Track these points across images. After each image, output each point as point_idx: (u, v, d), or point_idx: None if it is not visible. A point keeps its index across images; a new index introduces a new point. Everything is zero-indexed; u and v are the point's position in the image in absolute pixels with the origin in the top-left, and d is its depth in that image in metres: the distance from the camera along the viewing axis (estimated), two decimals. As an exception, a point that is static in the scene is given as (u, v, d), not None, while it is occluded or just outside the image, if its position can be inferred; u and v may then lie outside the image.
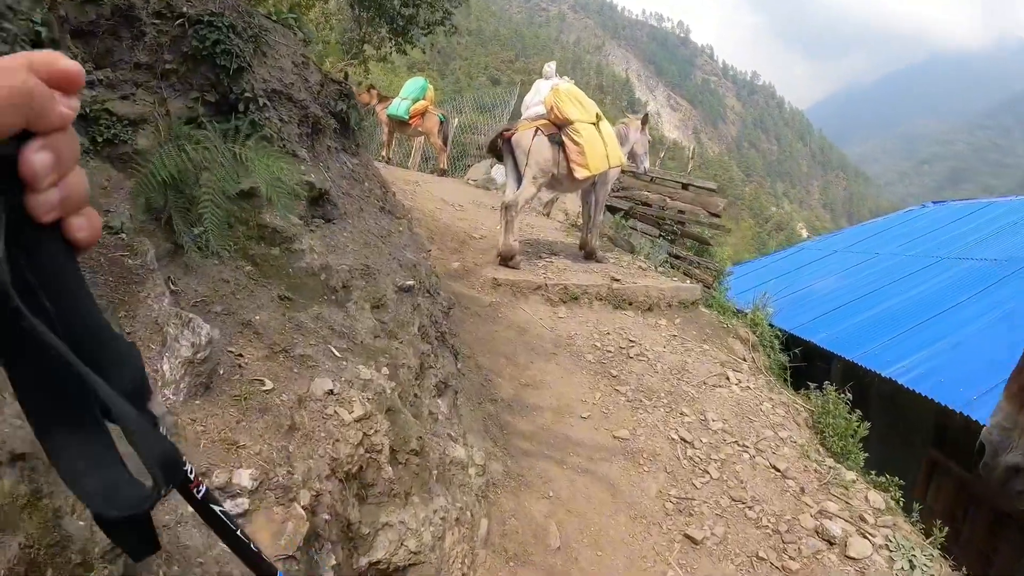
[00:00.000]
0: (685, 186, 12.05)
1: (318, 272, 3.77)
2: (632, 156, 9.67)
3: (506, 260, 8.19)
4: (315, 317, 3.44)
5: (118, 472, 0.60)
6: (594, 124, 8.49)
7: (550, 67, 9.07)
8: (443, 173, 15.20)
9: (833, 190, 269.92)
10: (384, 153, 16.32)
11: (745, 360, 8.04)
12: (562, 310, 7.75)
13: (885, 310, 11.65)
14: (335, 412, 2.90)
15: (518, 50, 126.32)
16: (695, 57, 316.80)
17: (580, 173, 8.26)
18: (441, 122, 15.55)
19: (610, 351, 6.98)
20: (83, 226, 0.57)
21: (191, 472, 0.70)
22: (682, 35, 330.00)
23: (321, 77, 5.28)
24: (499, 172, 14.61)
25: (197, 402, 2.59)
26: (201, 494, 0.73)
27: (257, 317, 3.18)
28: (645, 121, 9.74)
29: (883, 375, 9.18)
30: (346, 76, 7.21)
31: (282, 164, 3.55)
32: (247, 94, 4.11)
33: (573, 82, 9.09)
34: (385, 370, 3.48)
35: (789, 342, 9.97)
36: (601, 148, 8.42)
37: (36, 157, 0.52)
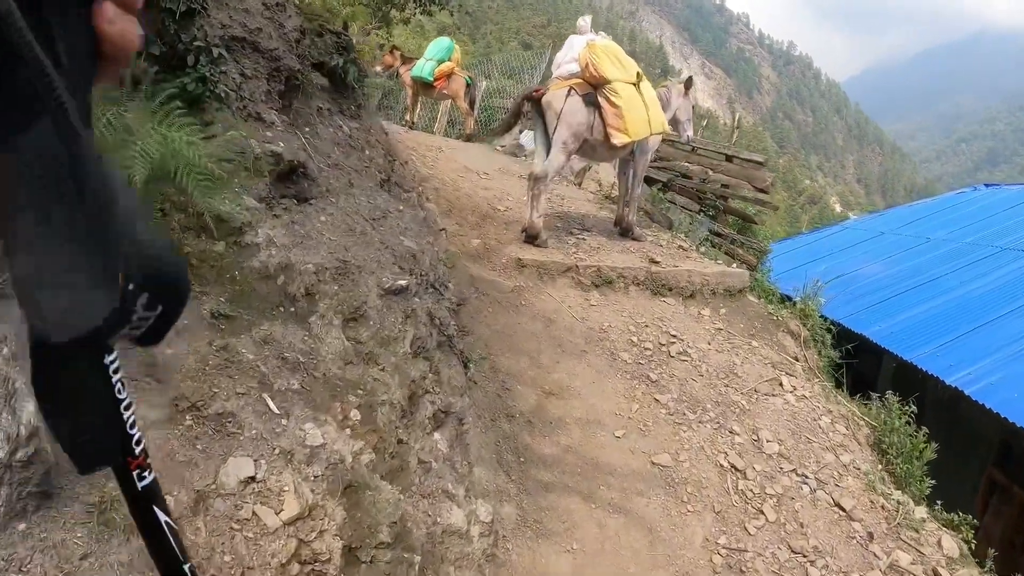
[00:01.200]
0: (729, 158, 10.92)
1: (274, 274, 2.83)
2: (674, 123, 8.61)
3: (532, 239, 7.25)
4: (261, 341, 2.51)
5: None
6: (634, 85, 7.48)
7: (585, 21, 8.01)
8: (469, 138, 14.17)
9: (868, 165, 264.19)
10: (408, 117, 15.34)
11: (797, 360, 7.05)
12: (594, 296, 6.79)
13: (944, 304, 10.54)
14: (253, 515, 1.95)
15: (550, 15, 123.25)
16: (730, 25, 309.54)
17: (618, 139, 7.26)
18: (468, 85, 14.51)
19: (648, 348, 6.03)
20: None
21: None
22: (718, 2, 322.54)
23: (301, 22, 4.31)
24: (527, 138, 13.56)
25: (21, 526, 1.67)
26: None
27: (169, 351, 2.25)
28: (689, 86, 8.65)
29: (946, 382, 8.15)
30: (346, 26, 6.20)
31: (232, 132, 2.59)
32: (198, 43, 3.16)
33: (611, 38, 8.00)
34: (355, 415, 2.54)
35: (839, 334, 8.93)
36: (642, 111, 7.42)
37: (131, 28, 0.54)
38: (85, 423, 0.56)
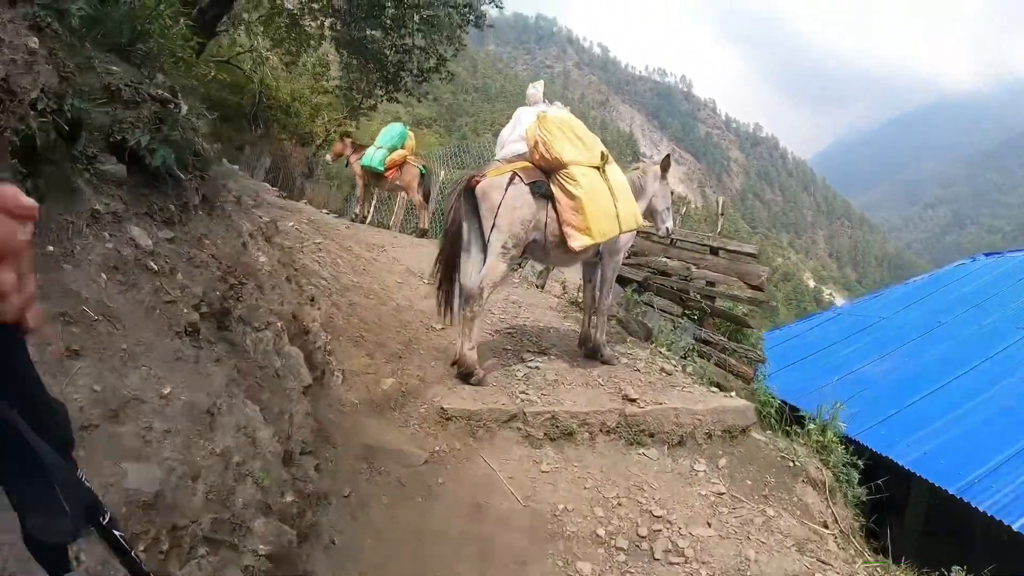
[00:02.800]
0: (715, 250, 9.12)
1: None
2: (649, 213, 6.83)
3: (465, 376, 5.35)
4: None
5: (57, 509, 0.82)
6: (598, 169, 5.75)
7: (535, 89, 6.32)
8: (424, 234, 12.40)
9: (838, 239, 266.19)
10: (359, 210, 13.58)
11: (827, 527, 5.07)
12: (548, 455, 4.84)
13: (983, 410, 8.59)
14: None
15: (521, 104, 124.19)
16: (698, 111, 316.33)
17: (577, 240, 5.49)
18: (422, 175, 12.78)
19: (622, 547, 4.04)
20: (36, 317, 0.82)
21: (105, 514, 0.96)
22: (685, 89, 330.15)
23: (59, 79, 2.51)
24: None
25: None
26: (106, 521, 0.96)
27: None
28: (666, 167, 6.86)
29: (1014, 528, 6.19)
30: (162, 69, 4.41)
31: None
32: None
33: (568, 109, 6.25)
34: None
35: (854, 451, 6.96)
36: (608, 203, 5.68)
37: (5, 277, 0.74)
38: None
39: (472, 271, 5.51)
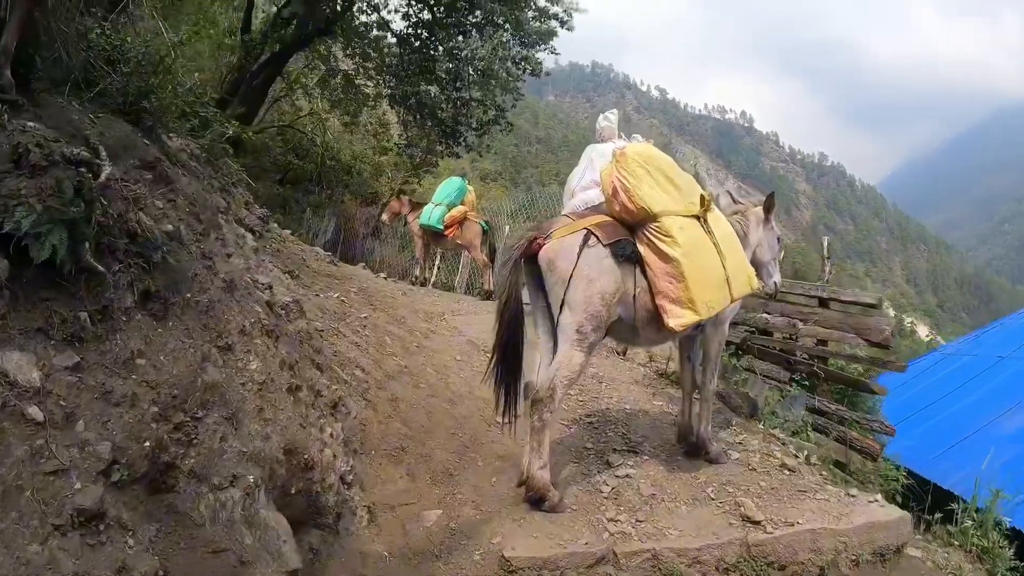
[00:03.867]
0: (825, 302, 7.60)
1: None
2: (754, 266, 5.35)
3: (536, 501, 4.02)
4: None
5: None
6: (697, 218, 4.43)
7: (608, 119, 5.13)
8: (489, 296, 11.14)
9: (915, 264, 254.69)
10: (419, 272, 12.46)
11: None
12: (650, 617, 3.45)
13: None
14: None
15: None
16: (761, 145, 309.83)
17: (677, 318, 4.19)
18: (485, 232, 11.57)
19: None
20: None
21: None
22: (746, 124, 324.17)
23: None
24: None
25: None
26: None
27: None
28: (770, 207, 5.41)
29: None
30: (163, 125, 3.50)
31: None
32: None
33: (651, 142, 4.93)
34: None
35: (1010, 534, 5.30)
36: (715, 264, 4.37)
37: None
38: None
39: (540, 363, 4.21)
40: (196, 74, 6.07)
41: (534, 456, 3.98)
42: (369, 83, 18.20)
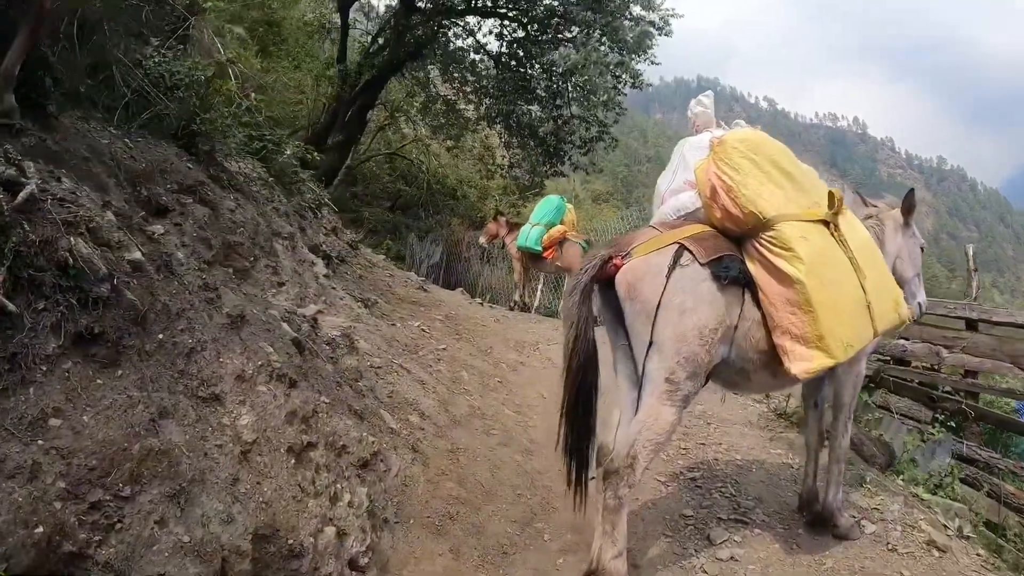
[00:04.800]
0: (973, 323, 6.24)
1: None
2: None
3: (607, 600, 3.04)
4: None
5: None
6: (826, 224, 3.36)
7: (702, 103, 4.16)
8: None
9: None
10: (517, 297, 11.67)
11: None
12: None
13: None
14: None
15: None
16: (876, 151, 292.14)
17: (802, 363, 3.17)
18: (585, 252, 10.65)
19: None
20: None
21: None
22: (859, 131, 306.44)
23: None
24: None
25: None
26: None
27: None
28: (909, 209, 4.16)
29: None
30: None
31: None
32: None
33: (759, 128, 3.89)
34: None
35: None
36: (852, 286, 3.28)
37: None
38: None
39: (618, 420, 3.28)
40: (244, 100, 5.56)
41: (606, 542, 3.02)
42: (469, 107, 17.77)
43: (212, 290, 3.06)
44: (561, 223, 10.72)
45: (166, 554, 2.02)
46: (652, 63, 16.10)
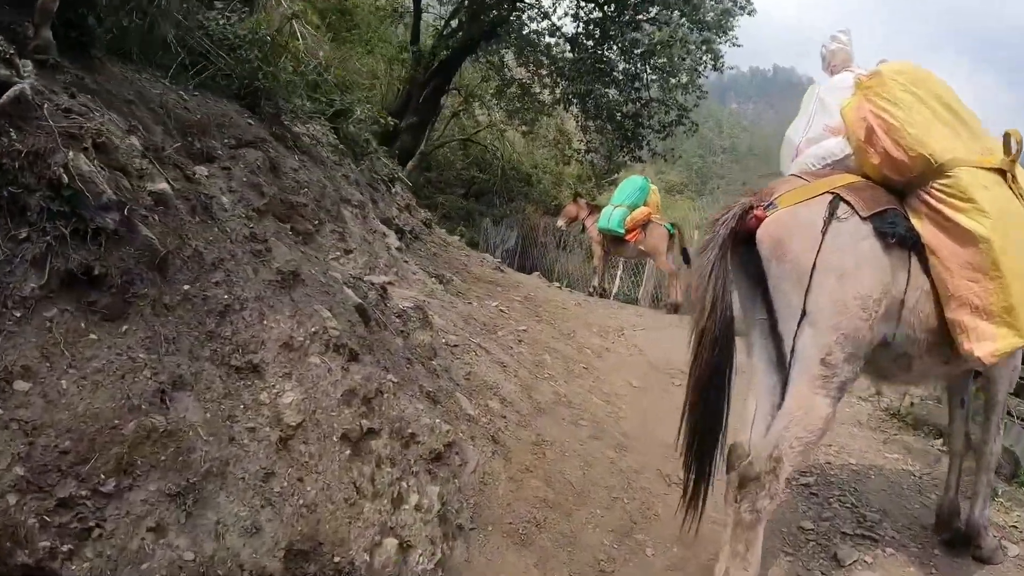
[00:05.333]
0: None
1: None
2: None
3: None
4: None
5: None
6: (1003, 174, 2.58)
7: (840, 39, 3.43)
8: (676, 309, 9.41)
9: None
10: (596, 282, 10.95)
11: None
12: None
13: None
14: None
15: (774, 164, 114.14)
16: None
17: (987, 344, 2.42)
18: (671, 235, 9.83)
19: None
20: None
21: None
22: None
23: None
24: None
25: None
26: None
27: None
28: None
29: None
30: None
31: None
32: None
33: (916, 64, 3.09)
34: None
35: None
36: None
37: None
38: None
39: (754, 413, 2.58)
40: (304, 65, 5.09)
41: (736, 565, 2.32)
42: (544, 91, 17.04)
43: (261, 241, 2.51)
44: (645, 204, 9.94)
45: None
46: (733, 44, 15.13)
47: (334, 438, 2.13)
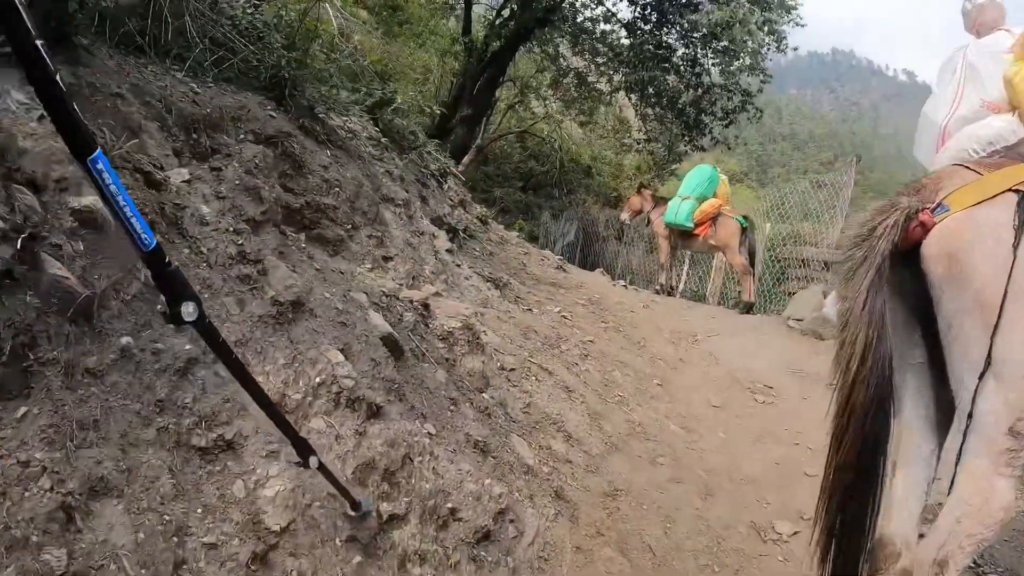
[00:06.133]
0: None
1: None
2: None
3: None
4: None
5: None
6: None
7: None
8: (749, 309, 8.58)
9: None
10: (663, 279, 10.16)
11: None
12: None
13: None
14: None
15: (836, 150, 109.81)
16: None
17: None
18: (743, 229, 8.98)
19: None
20: None
21: None
22: None
23: None
24: (835, 305, 7.63)
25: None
26: None
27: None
28: None
29: None
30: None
31: None
32: None
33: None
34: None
35: None
36: None
37: None
38: None
39: (906, 493, 1.86)
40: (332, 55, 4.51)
41: None
42: (602, 79, 16.18)
43: (252, 262, 1.91)
44: (715, 196, 9.11)
45: None
46: (797, 24, 14.02)
47: (337, 541, 1.52)
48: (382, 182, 4.65)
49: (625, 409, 3.92)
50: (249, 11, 3.88)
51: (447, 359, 2.84)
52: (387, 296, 2.72)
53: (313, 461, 1.31)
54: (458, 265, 5.14)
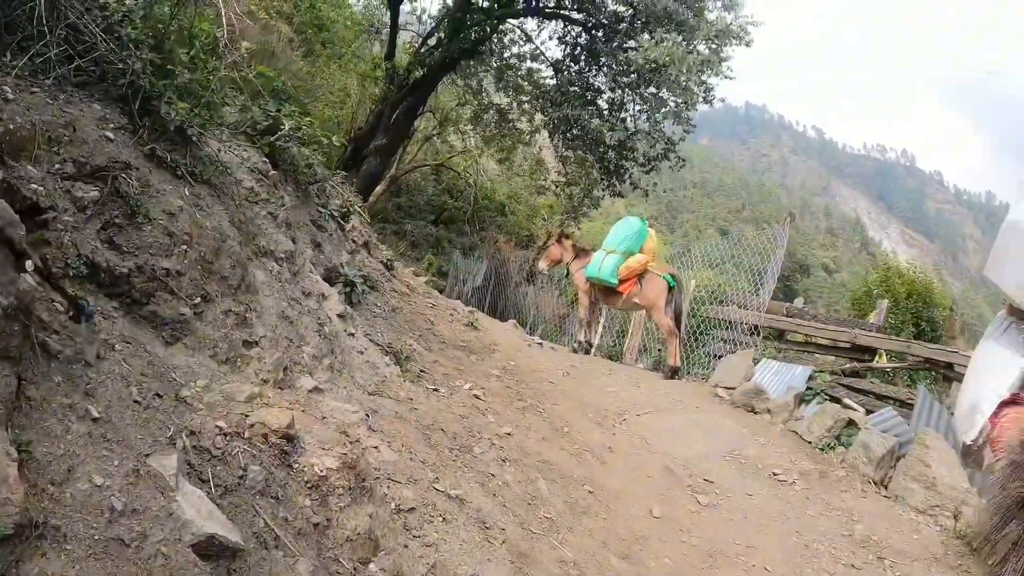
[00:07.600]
0: None
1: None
2: None
3: None
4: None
5: None
6: None
7: None
8: (674, 373, 7.87)
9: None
10: (581, 336, 9.34)
11: None
12: None
13: None
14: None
15: (744, 199, 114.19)
16: (924, 186, 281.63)
17: None
18: (670, 288, 8.29)
19: None
20: None
21: None
22: (907, 164, 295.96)
23: None
24: (768, 374, 7.03)
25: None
26: None
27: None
28: None
29: None
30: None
31: None
32: None
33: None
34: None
35: None
36: None
37: None
38: None
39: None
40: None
41: None
42: (523, 117, 15.55)
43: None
44: (641, 251, 8.41)
45: None
46: (726, 77, 13.71)
47: None
48: (261, 229, 3.64)
49: (555, 539, 3.05)
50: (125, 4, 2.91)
51: (316, 524, 1.87)
52: (226, 435, 1.73)
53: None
54: (351, 334, 4.16)
